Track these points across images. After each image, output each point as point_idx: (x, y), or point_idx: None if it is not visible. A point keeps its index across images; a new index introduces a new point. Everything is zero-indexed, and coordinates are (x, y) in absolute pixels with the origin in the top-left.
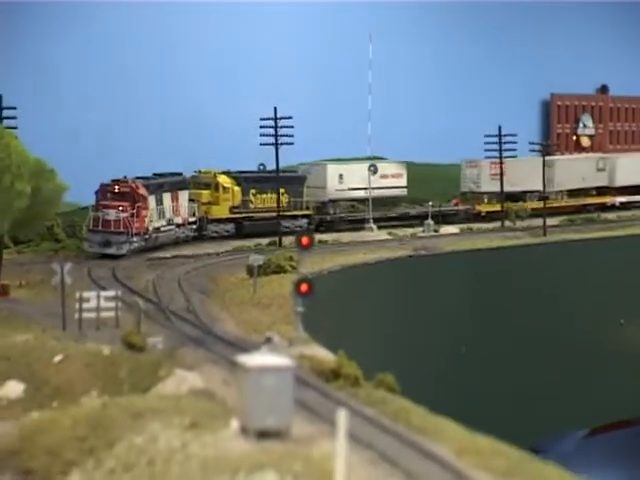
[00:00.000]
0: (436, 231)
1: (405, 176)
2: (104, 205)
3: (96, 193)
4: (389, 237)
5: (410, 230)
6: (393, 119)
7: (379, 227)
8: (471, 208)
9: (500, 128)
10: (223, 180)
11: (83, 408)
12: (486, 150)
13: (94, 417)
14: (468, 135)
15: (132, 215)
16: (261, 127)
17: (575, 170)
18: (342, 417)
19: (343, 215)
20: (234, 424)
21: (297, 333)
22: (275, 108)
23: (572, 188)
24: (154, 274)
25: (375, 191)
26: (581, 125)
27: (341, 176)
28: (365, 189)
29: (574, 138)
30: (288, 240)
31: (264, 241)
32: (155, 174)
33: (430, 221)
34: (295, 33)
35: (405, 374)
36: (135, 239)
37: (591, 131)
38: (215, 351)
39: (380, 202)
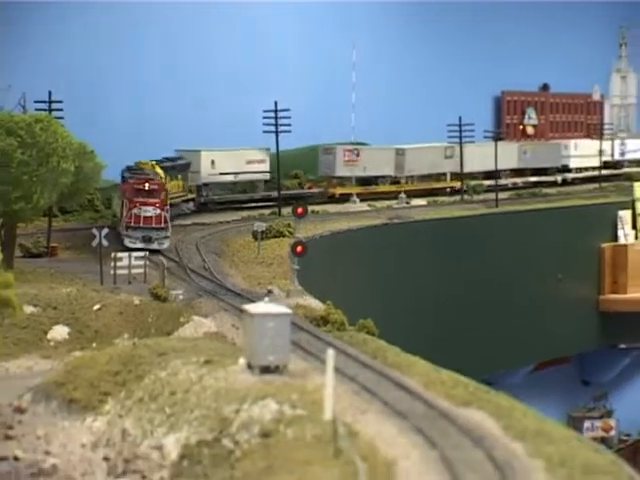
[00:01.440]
0: (408, 203)
1: (268, 162)
2: (141, 202)
3: (122, 190)
4: (369, 208)
5: (386, 202)
6: (371, 109)
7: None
8: (325, 191)
9: (460, 118)
10: (160, 171)
11: (117, 348)
12: (449, 137)
13: (126, 355)
14: (432, 123)
15: (167, 211)
16: (264, 117)
17: (425, 158)
18: (330, 355)
19: (215, 197)
20: (241, 361)
21: (293, 286)
22: (275, 102)
23: (422, 174)
24: (175, 239)
25: (240, 175)
26: (527, 117)
27: (213, 162)
28: (235, 174)
29: (521, 127)
30: (286, 210)
31: (267, 211)
32: (165, 158)
33: (403, 195)
34: (293, 33)
35: (382, 320)
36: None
37: (535, 122)
38: (226, 301)
39: (246, 185)
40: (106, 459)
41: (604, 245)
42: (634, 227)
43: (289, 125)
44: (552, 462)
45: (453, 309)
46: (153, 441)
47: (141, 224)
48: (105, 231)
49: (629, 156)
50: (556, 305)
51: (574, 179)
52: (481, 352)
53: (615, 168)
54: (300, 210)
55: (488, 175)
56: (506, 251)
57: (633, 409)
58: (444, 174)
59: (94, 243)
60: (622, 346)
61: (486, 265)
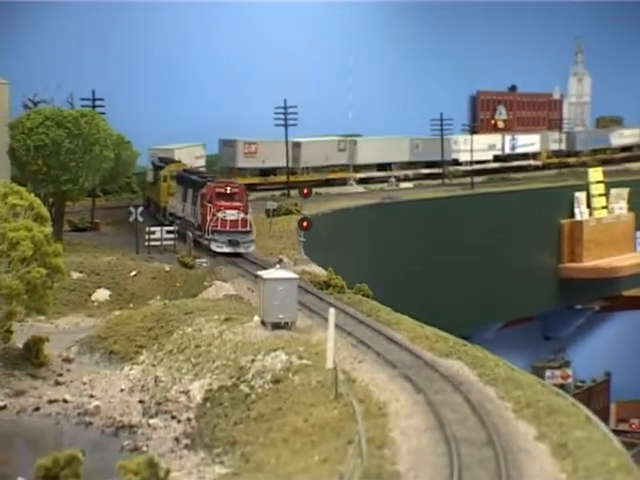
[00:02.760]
0: (397, 185)
1: (204, 157)
2: (225, 206)
3: (202, 194)
4: (364, 190)
5: (380, 185)
6: (365, 105)
7: None
8: None
9: (442, 114)
10: None
11: (150, 307)
12: (432, 130)
13: (158, 314)
14: (418, 117)
15: (250, 214)
16: (275, 113)
17: (319, 150)
18: (331, 313)
19: None
20: (256, 318)
21: (300, 256)
22: (285, 100)
23: (317, 165)
24: None
25: None
26: (498, 113)
27: (180, 158)
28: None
29: (493, 122)
30: (294, 192)
31: (277, 193)
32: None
33: (393, 178)
34: (300, 32)
35: (376, 284)
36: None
37: (504, 117)
38: (243, 268)
39: None
40: (141, 402)
41: (563, 221)
42: (588, 206)
43: (296, 120)
44: (520, 404)
45: (435, 275)
46: (181, 387)
47: (227, 228)
48: (140, 209)
49: (519, 150)
50: (522, 272)
51: (464, 172)
52: (459, 311)
53: (506, 161)
54: (306, 191)
55: (380, 167)
56: (480, 226)
57: (586, 360)
58: (347, 165)
59: (131, 219)
60: (578, 307)
61: (463, 238)
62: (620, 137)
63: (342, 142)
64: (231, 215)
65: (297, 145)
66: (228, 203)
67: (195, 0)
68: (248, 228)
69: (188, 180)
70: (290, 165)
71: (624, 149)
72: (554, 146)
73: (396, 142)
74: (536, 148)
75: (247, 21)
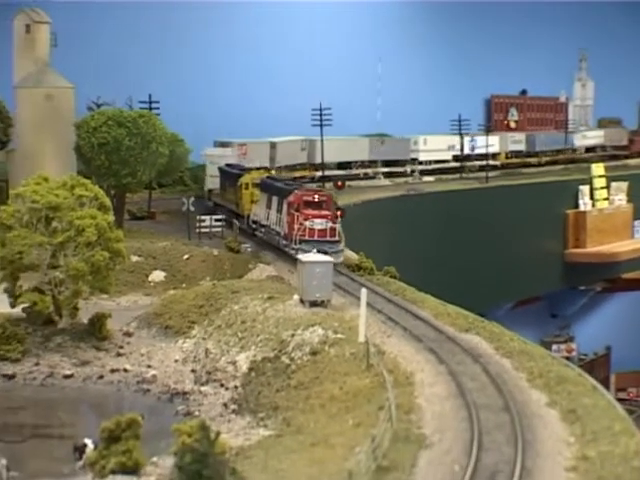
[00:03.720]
0: (420, 179)
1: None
2: (313, 215)
3: (289, 202)
4: (390, 183)
5: (404, 178)
6: (393, 104)
7: None
8: None
9: (460, 115)
10: None
11: (201, 287)
12: (451, 129)
13: (208, 293)
14: (439, 118)
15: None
16: (312, 115)
17: (288, 150)
18: (363, 293)
19: None
20: (295, 297)
21: None
22: (320, 103)
23: (288, 164)
24: None
25: None
26: (510, 114)
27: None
28: None
29: (505, 122)
30: (328, 184)
31: (313, 185)
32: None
33: (417, 173)
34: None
35: (402, 267)
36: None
37: (516, 118)
38: (284, 252)
39: None
40: (193, 371)
41: (568, 211)
42: (591, 198)
43: (331, 120)
44: (533, 374)
45: (455, 258)
46: (229, 358)
47: (315, 237)
48: (192, 199)
49: (478, 151)
50: (532, 256)
51: (423, 170)
52: (475, 291)
53: (466, 161)
54: (340, 184)
55: (340, 165)
56: (494, 216)
57: (589, 336)
58: (314, 164)
59: (183, 208)
60: (581, 288)
61: (479, 226)
62: (583, 138)
63: (304, 142)
64: (319, 224)
65: (273, 145)
66: (316, 212)
67: (242, 2)
68: (336, 237)
69: (273, 187)
70: (268, 165)
71: (588, 150)
72: (514, 147)
73: (356, 142)
74: (495, 149)
75: (288, 24)
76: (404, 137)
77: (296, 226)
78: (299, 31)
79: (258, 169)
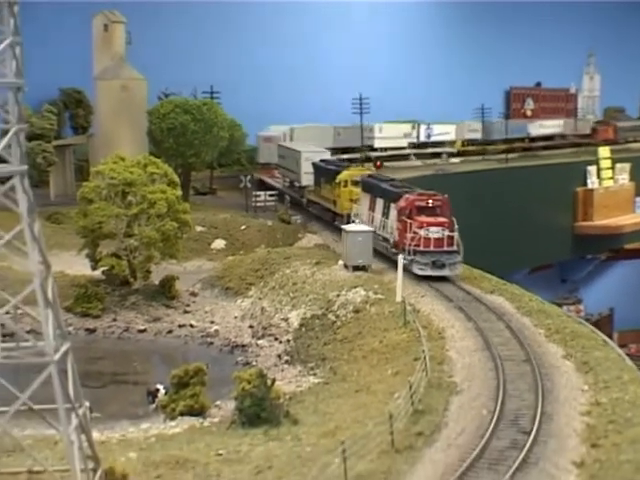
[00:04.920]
0: (447, 160)
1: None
2: (428, 222)
3: (399, 208)
4: (421, 164)
5: (434, 160)
6: (425, 94)
7: None
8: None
9: (483, 105)
10: None
11: (257, 253)
12: (473, 116)
13: (263, 258)
14: (465, 107)
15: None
16: (353, 104)
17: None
18: (400, 259)
19: None
20: (340, 262)
21: None
22: (360, 94)
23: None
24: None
25: None
26: (526, 104)
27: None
28: None
29: (522, 111)
30: (368, 164)
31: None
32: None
33: (445, 155)
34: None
35: None
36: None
37: (532, 107)
38: (328, 223)
39: None
40: (250, 327)
41: (578, 189)
42: (598, 177)
43: (369, 109)
44: (550, 330)
45: (479, 230)
46: (281, 315)
47: (431, 247)
48: (248, 177)
49: (434, 139)
50: (545, 229)
51: (379, 157)
52: (497, 259)
53: (420, 148)
54: (378, 164)
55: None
56: (512, 192)
57: (594, 298)
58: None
59: (241, 185)
60: (588, 257)
61: (499, 201)
62: (540, 127)
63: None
64: (435, 232)
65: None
66: (431, 219)
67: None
68: (455, 247)
69: (377, 188)
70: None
71: (547, 138)
72: (470, 135)
73: (322, 130)
74: (451, 137)
75: (331, 21)
76: (355, 125)
77: (409, 235)
78: (339, 28)
79: (350, 163)
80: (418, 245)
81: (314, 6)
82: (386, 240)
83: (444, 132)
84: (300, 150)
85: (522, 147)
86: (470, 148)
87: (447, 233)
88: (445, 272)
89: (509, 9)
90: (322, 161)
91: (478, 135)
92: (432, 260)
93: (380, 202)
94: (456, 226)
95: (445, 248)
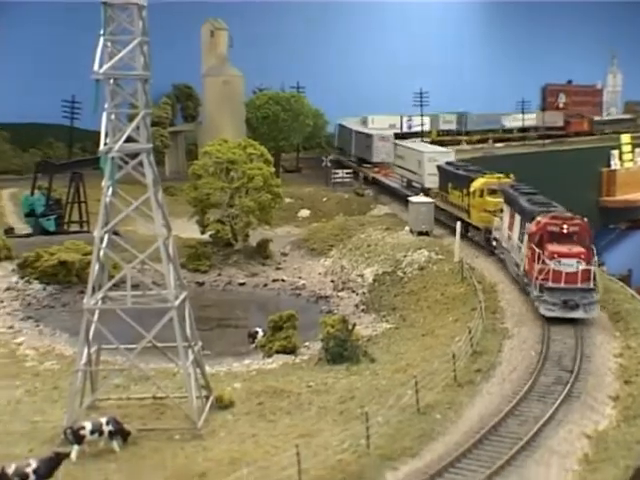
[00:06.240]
0: (493, 145)
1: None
2: (561, 253)
3: (529, 232)
4: (470, 148)
5: (480, 145)
6: (471, 89)
7: None
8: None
9: (523, 99)
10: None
11: (336, 221)
12: (515, 108)
13: (341, 225)
14: (508, 101)
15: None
16: (414, 97)
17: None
18: (458, 225)
19: None
20: (406, 228)
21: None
22: (421, 88)
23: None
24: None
25: None
26: (559, 98)
27: None
28: None
29: (556, 105)
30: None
31: None
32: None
33: (491, 141)
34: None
35: None
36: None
37: (564, 101)
38: (403, 199)
39: None
40: (332, 281)
41: (603, 170)
42: (620, 160)
43: (428, 101)
44: None
45: None
46: (358, 272)
47: (562, 283)
48: (329, 157)
49: (414, 129)
50: (575, 202)
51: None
52: None
53: (404, 137)
54: None
55: None
56: (549, 172)
57: (615, 261)
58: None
59: (323, 164)
60: (611, 226)
61: (538, 180)
62: (514, 120)
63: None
64: (568, 265)
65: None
66: (565, 248)
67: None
68: (591, 284)
69: (515, 202)
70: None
71: (523, 130)
72: (445, 126)
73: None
74: (427, 128)
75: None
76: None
77: (537, 266)
78: (392, 27)
79: (478, 170)
80: (546, 280)
81: (370, 6)
82: (517, 266)
83: (421, 123)
84: (423, 150)
85: (495, 138)
86: (445, 138)
87: (582, 266)
88: (578, 314)
89: (547, 12)
90: (449, 164)
91: (453, 126)
92: (562, 299)
93: (518, 220)
94: (595, 257)
95: (579, 285)
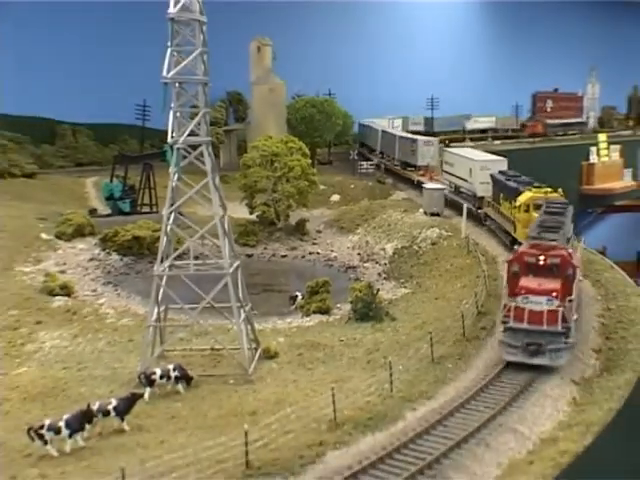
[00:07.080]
0: (492, 142)
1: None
2: (528, 289)
3: (510, 261)
4: (472, 144)
5: (480, 142)
6: (470, 93)
7: None
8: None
9: (517, 103)
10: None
11: (362, 204)
12: (510, 112)
13: (366, 207)
14: (502, 106)
15: (569, 302)
16: (426, 102)
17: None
18: (465, 207)
19: None
20: (421, 210)
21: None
22: (432, 94)
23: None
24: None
25: None
26: (547, 104)
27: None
28: None
29: (544, 109)
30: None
31: None
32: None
33: (490, 138)
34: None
35: None
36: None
37: (551, 106)
38: (412, 183)
39: None
40: (358, 254)
41: (584, 163)
42: (597, 155)
43: (438, 104)
44: None
45: None
46: (380, 246)
47: (524, 323)
48: (356, 151)
49: (394, 130)
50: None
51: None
52: None
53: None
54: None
55: None
56: (538, 164)
57: (592, 240)
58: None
59: (350, 157)
60: (589, 210)
61: (529, 172)
62: (474, 123)
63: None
64: (536, 303)
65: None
66: (535, 283)
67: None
68: (558, 326)
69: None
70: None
71: (483, 131)
72: (413, 127)
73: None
74: (399, 129)
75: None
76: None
77: (503, 302)
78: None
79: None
80: (508, 316)
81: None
82: None
83: (396, 125)
84: (475, 159)
85: (458, 138)
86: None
87: (553, 305)
88: (543, 360)
89: (536, 32)
90: (501, 173)
91: (420, 127)
92: (526, 341)
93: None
94: (573, 295)
95: (544, 326)
